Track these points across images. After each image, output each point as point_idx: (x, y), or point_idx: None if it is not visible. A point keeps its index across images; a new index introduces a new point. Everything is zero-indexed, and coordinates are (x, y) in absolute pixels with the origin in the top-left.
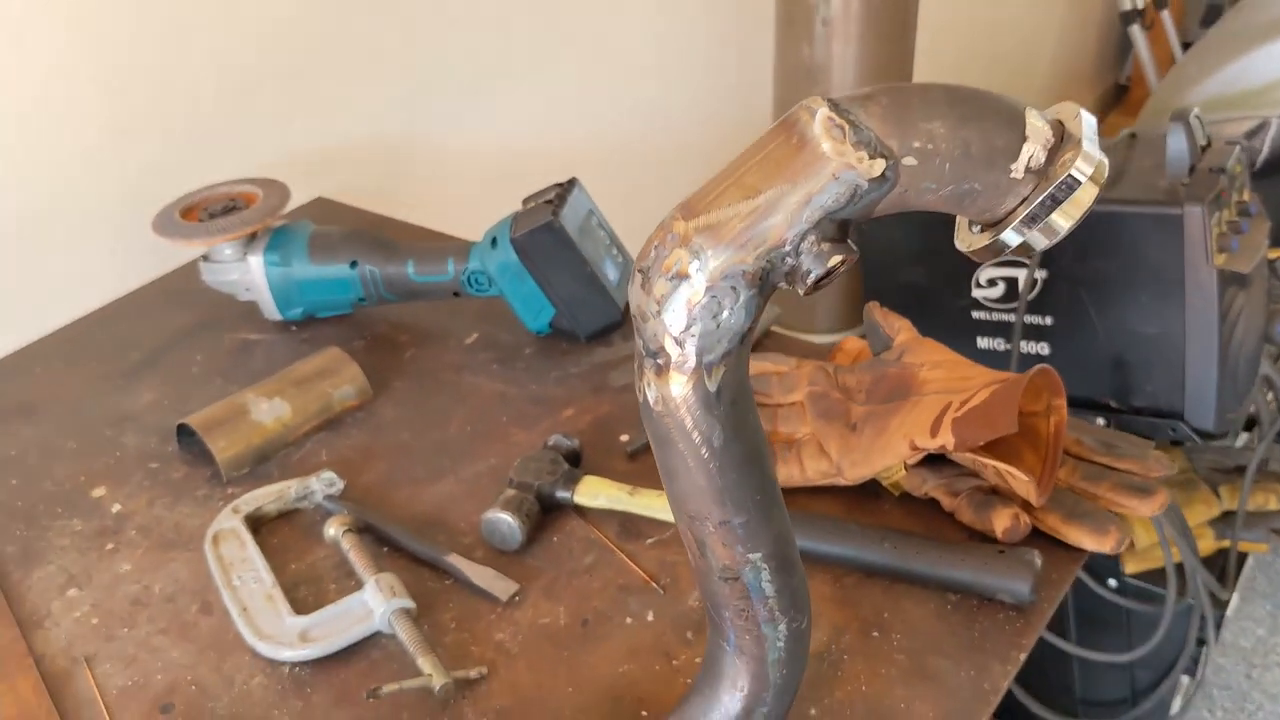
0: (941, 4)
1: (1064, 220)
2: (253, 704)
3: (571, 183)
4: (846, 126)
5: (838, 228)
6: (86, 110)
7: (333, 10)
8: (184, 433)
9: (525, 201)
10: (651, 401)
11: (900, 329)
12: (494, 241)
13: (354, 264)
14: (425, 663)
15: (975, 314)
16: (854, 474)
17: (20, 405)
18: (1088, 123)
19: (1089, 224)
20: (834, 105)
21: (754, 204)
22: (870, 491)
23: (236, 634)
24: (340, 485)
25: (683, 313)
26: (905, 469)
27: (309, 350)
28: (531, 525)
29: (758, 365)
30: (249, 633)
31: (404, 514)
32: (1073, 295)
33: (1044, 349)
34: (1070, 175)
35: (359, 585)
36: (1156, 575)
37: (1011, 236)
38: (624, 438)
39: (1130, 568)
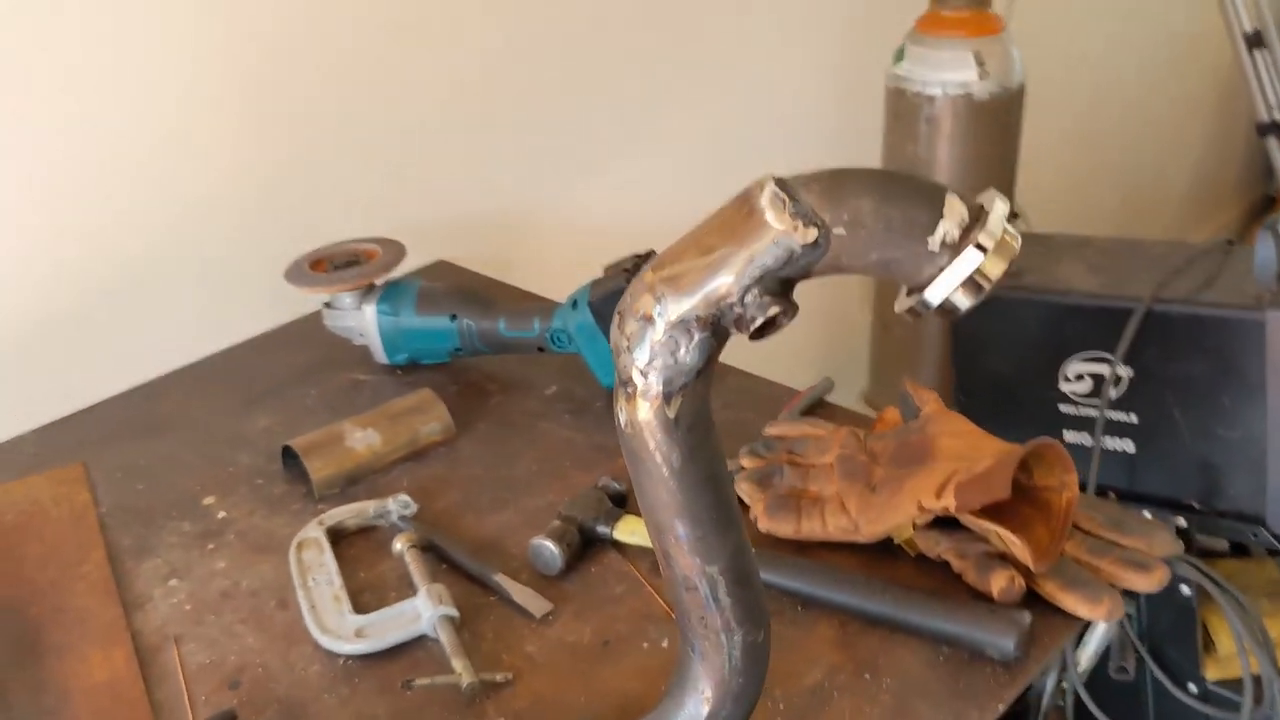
0: (1059, 113)
1: (973, 289)
2: (308, 688)
3: (649, 254)
4: (787, 200)
5: (780, 284)
6: (243, 166)
7: (465, 85)
8: (288, 454)
9: (606, 269)
10: (623, 424)
11: (928, 401)
12: (574, 304)
13: (453, 317)
14: (458, 664)
15: (1062, 407)
16: (869, 530)
17: (156, 423)
18: (999, 207)
19: (1175, 325)
20: (780, 182)
21: (708, 260)
22: (889, 551)
23: (304, 627)
24: (414, 508)
25: (647, 349)
26: (915, 529)
27: (409, 391)
28: (572, 554)
29: (798, 428)
30: (314, 627)
31: (465, 536)
32: (1158, 395)
33: (1129, 446)
34: (972, 248)
35: (416, 593)
36: (1238, 683)
37: (929, 299)
38: None
39: (1211, 674)
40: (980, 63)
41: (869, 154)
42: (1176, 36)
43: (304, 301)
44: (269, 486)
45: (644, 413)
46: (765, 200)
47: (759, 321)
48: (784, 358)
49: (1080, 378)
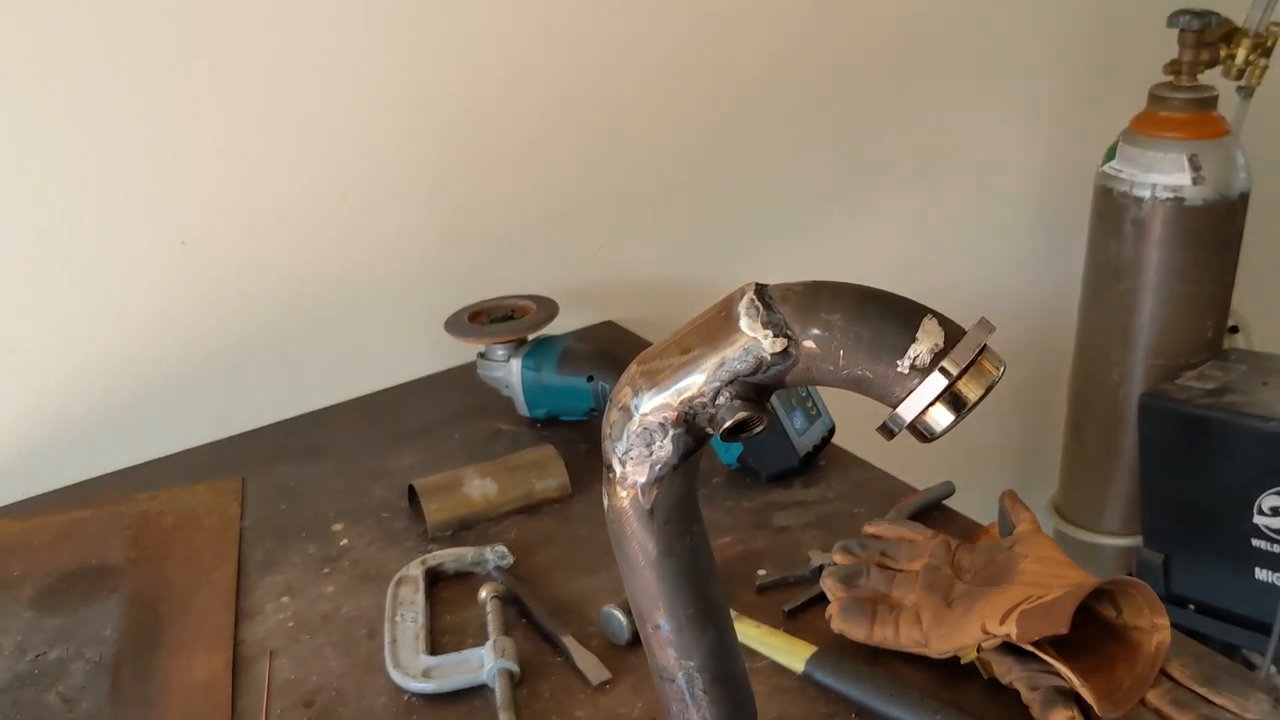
0: None
1: (944, 415)
2: (371, 717)
3: None
4: (762, 308)
5: (753, 389)
6: (425, 219)
7: (651, 154)
8: (413, 493)
9: None
10: (607, 509)
11: (1024, 520)
12: None
13: (590, 379)
14: (505, 717)
15: (1255, 542)
16: (937, 647)
17: (313, 449)
18: (977, 333)
19: None
20: (760, 290)
21: (684, 359)
22: (964, 670)
23: (382, 659)
24: (510, 560)
25: (625, 439)
26: (982, 650)
27: (541, 445)
28: None
29: (896, 530)
30: (390, 660)
31: (550, 594)
32: None
33: None
34: (938, 372)
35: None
36: None
37: (897, 422)
38: (761, 571)
39: None
40: (1195, 167)
41: (1074, 251)
42: None
43: (469, 349)
44: (392, 521)
45: (622, 501)
46: (741, 307)
47: (728, 424)
48: (974, 452)
49: (1277, 512)
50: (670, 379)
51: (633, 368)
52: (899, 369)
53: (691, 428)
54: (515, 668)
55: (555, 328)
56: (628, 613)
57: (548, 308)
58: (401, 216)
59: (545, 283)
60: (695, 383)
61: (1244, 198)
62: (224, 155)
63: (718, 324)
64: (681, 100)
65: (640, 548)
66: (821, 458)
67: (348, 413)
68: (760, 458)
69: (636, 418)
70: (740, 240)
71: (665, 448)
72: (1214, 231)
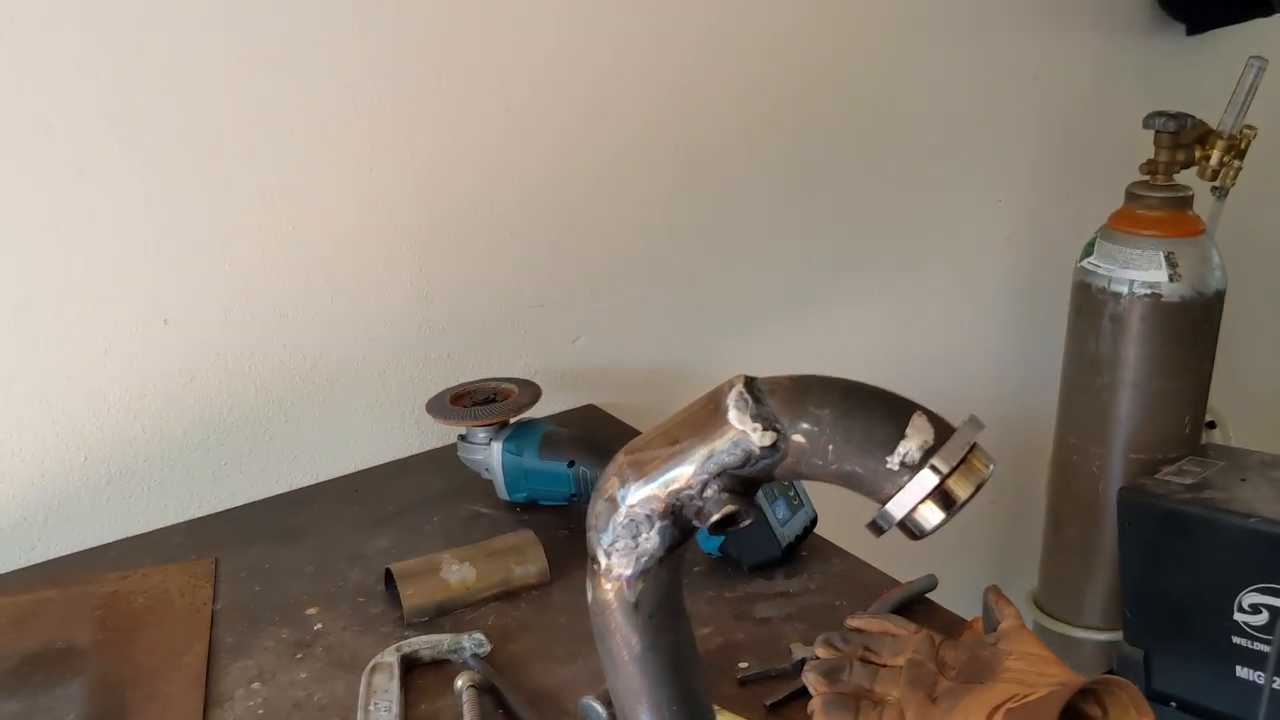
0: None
1: (934, 512)
2: None
3: None
4: (751, 401)
5: (741, 483)
6: (411, 302)
7: (632, 245)
8: (390, 577)
9: None
10: (590, 600)
11: (1008, 615)
12: None
13: (571, 464)
14: None
15: (1236, 639)
16: None
17: (289, 530)
18: (967, 431)
19: None
20: (749, 383)
21: (672, 450)
22: None
23: None
24: (487, 647)
25: (611, 530)
26: None
27: (521, 530)
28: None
29: (880, 624)
30: None
31: (529, 684)
32: None
33: None
34: (928, 470)
35: None
36: None
37: (886, 519)
38: (742, 664)
39: None
40: (1172, 264)
41: (1053, 345)
42: None
43: (449, 431)
44: (368, 605)
45: (606, 593)
46: (731, 399)
47: (715, 517)
48: (953, 544)
49: (1257, 610)
50: (658, 470)
51: (620, 458)
52: (888, 465)
53: (678, 520)
54: None
55: (536, 411)
56: (607, 704)
57: (530, 391)
58: (382, 298)
59: (526, 366)
60: (683, 474)
61: (1220, 295)
62: (207, 234)
63: (706, 416)
64: (658, 190)
65: (624, 642)
66: (803, 548)
67: (324, 494)
68: (742, 547)
69: (623, 509)
70: (719, 327)
71: (651, 540)
72: (1191, 328)
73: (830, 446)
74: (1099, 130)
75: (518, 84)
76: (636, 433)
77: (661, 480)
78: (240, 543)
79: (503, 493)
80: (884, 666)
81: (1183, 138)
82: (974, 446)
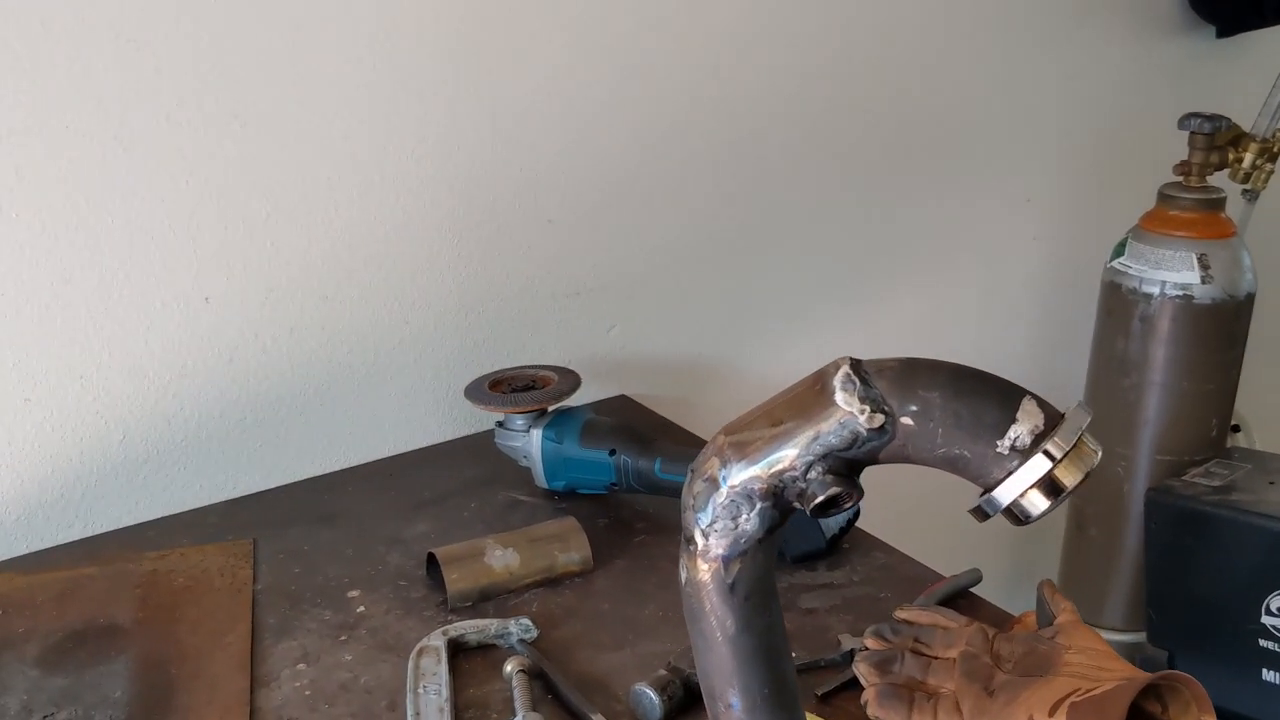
0: None
1: (1041, 499)
2: None
3: None
4: (859, 383)
5: (846, 465)
6: (448, 288)
7: (669, 237)
8: (432, 561)
9: None
10: (684, 582)
11: (1064, 610)
12: None
13: (613, 452)
14: None
15: (1263, 642)
16: None
17: (327, 513)
18: (1078, 417)
19: None
20: (855, 364)
21: (775, 431)
22: None
23: None
24: (534, 633)
25: (710, 511)
26: None
27: (559, 517)
28: (673, 707)
29: (929, 616)
30: None
31: (577, 670)
32: None
33: None
34: (1041, 455)
35: (514, 719)
36: None
37: (995, 502)
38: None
39: None
40: (1204, 266)
41: (1079, 345)
42: None
43: (484, 417)
44: (410, 589)
45: (703, 574)
46: (838, 381)
47: (819, 499)
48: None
49: None
50: (761, 451)
51: (719, 438)
52: (998, 449)
53: (779, 502)
54: None
55: (570, 400)
56: (660, 691)
57: (570, 379)
58: (421, 283)
59: (560, 355)
60: (787, 456)
61: (1250, 298)
62: (250, 214)
63: (811, 397)
64: (694, 183)
65: (719, 623)
66: (845, 540)
67: (359, 477)
68: (786, 539)
69: (724, 489)
70: (752, 321)
71: (751, 521)
72: (1221, 330)
73: (939, 430)
74: (1128, 131)
75: (557, 72)
76: (670, 423)
77: (765, 461)
78: (277, 524)
79: (541, 480)
80: (936, 659)
81: (1217, 139)
82: (1083, 433)
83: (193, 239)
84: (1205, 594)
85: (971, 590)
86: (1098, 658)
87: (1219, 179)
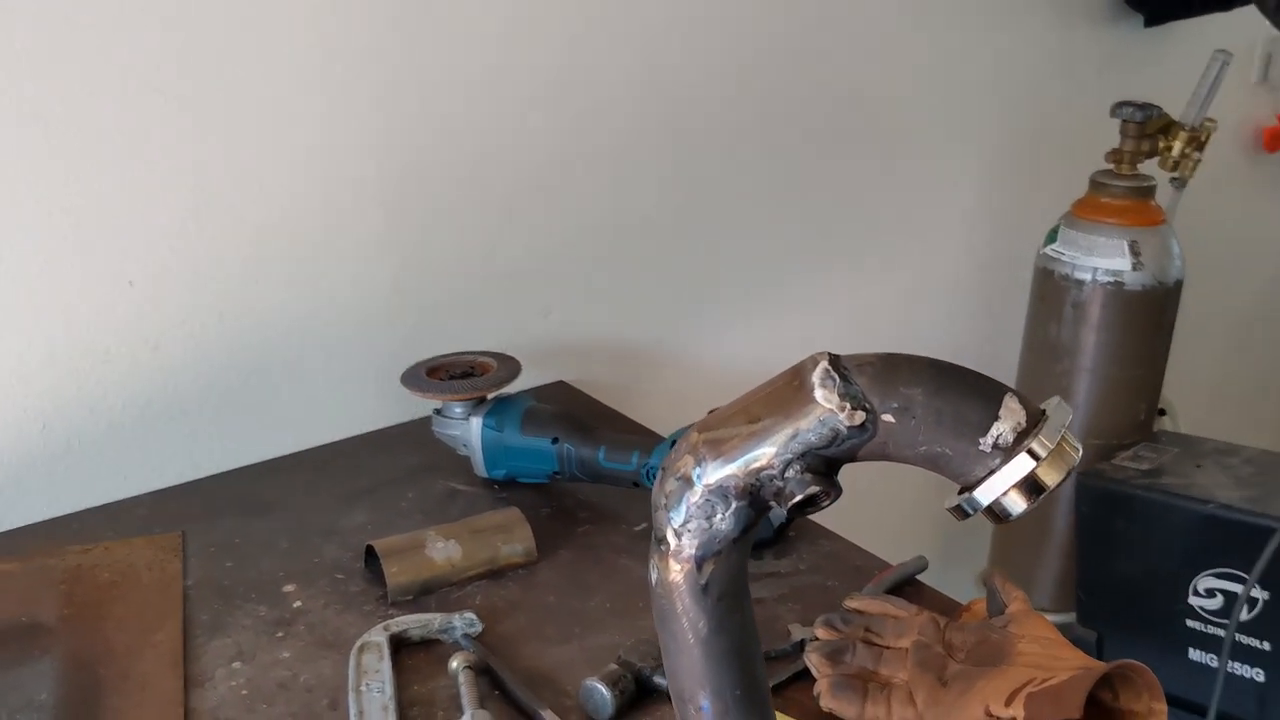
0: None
1: (1028, 495)
2: None
3: None
4: (838, 379)
5: (824, 463)
6: (381, 271)
7: (606, 221)
8: (371, 554)
9: (710, 412)
10: (654, 583)
11: (1016, 599)
12: (673, 443)
13: (555, 440)
14: None
15: (1190, 622)
16: None
17: (259, 504)
18: (1060, 414)
19: None
20: (834, 360)
21: (753, 429)
22: None
23: None
24: (479, 627)
25: (683, 510)
26: None
27: (500, 507)
28: (624, 702)
29: (879, 605)
30: None
31: (524, 665)
32: None
33: (1259, 675)
34: (1025, 454)
35: (461, 716)
36: None
37: (977, 500)
38: None
39: None
40: (1135, 253)
41: (1012, 330)
42: None
43: (420, 405)
44: (348, 583)
45: (675, 574)
46: (816, 377)
47: (797, 498)
48: (901, 526)
49: (1212, 594)
50: (738, 449)
51: (693, 436)
52: (980, 447)
53: (755, 501)
54: None
55: (509, 387)
56: (611, 686)
57: (510, 365)
58: (354, 267)
59: (497, 340)
60: (765, 454)
61: (1178, 285)
62: (175, 196)
63: (789, 394)
64: (631, 167)
65: (690, 624)
66: (792, 529)
67: (293, 467)
68: None
69: (699, 488)
70: (690, 306)
71: (727, 521)
72: (1150, 316)
73: (921, 427)
74: (1060, 119)
75: (490, 50)
76: (609, 410)
77: (742, 460)
78: (208, 516)
79: (481, 469)
80: (887, 649)
81: (1148, 128)
82: (1065, 431)
83: (115, 220)
84: (1134, 575)
85: (918, 578)
86: (1051, 646)
87: (1149, 167)
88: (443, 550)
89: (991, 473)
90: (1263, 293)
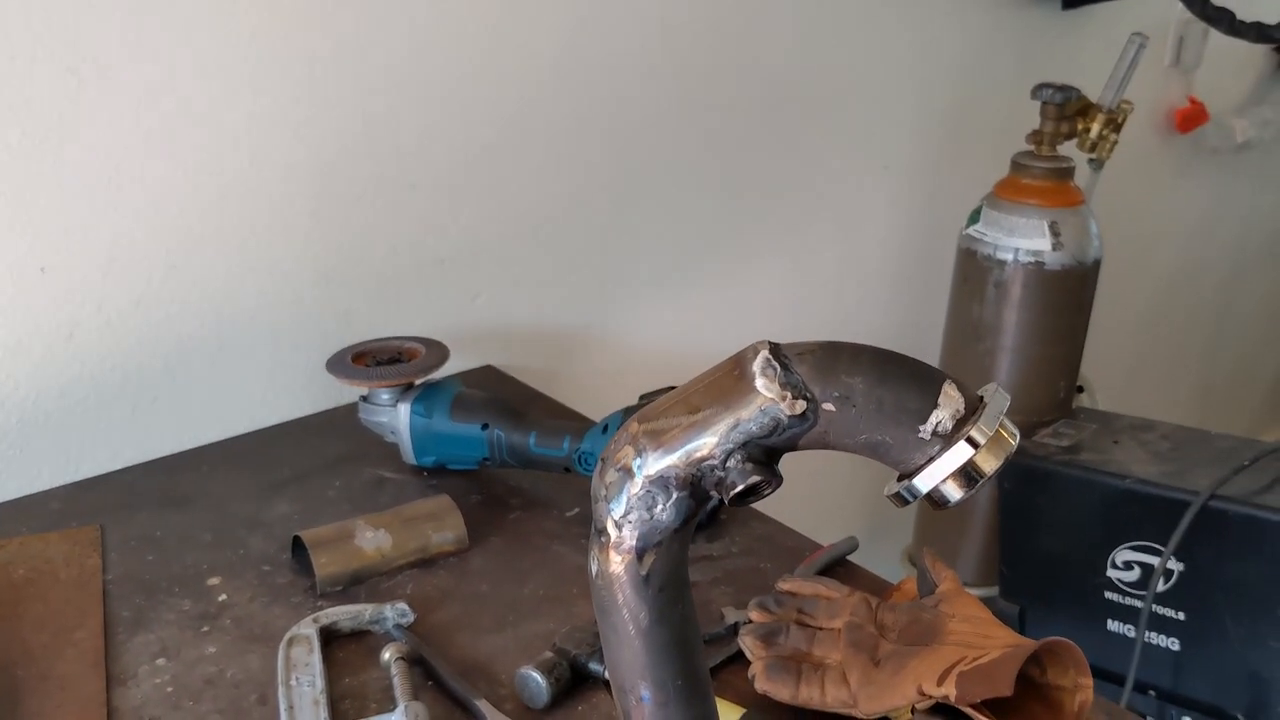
0: (1136, 292)
1: (964, 482)
2: None
3: None
4: (779, 369)
5: (765, 452)
6: (300, 253)
7: (532, 198)
8: (298, 545)
9: (641, 397)
10: (594, 574)
11: (945, 579)
12: (605, 428)
13: (485, 426)
14: None
15: (1108, 594)
16: (866, 708)
17: (179, 495)
18: (998, 401)
19: (1233, 524)
20: (774, 349)
21: (693, 419)
22: None
23: None
24: (411, 617)
25: (624, 501)
26: (914, 713)
27: (430, 495)
28: (560, 689)
29: (811, 587)
30: None
31: (458, 655)
32: (1209, 595)
33: (1174, 644)
34: (964, 441)
35: (395, 708)
36: None
37: (915, 488)
38: None
39: None
40: (1055, 233)
41: (935, 311)
42: (1270, 227)
43: (344, 391)
44: (274, 575)
45: (615, 566)
46: (757, 366)
47: (739, 488)
48: (827, 505)
49: (1129, 566)
50: (678, 440)
51: (633, 426)
52: (920, 435)
53: (696, 491)
54: None
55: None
56: (546, 673)
57: (438, 351)
58: (276, 251)
59: (423, 326)
60: (706, 444)
61: (1097, 264)
62: (88, 178)
63: (730, 383)
64: (557, 150)
65: (631, 616)
66: (723, 512)
67: (214, 457)
68: None
69: (639, 479)
70: (616, 290)
71: (667, 512)
72: (1070, 296)
73: (861, 416)
74: (980, 101)
75: (417, 36)
76: (537, 394)
77: (683, 450)
78: (125, 509)
79: (409, 456)
80: (820, 630)
81: (1066, 110)
82: (1003, 418)
83: (26, 203)
84: (1055, 550)
85: (849, 559)
86: (981, 625)
87: (1067, 149)
88: (372, 540)
89: (931, 460)
90: (1174, 270)
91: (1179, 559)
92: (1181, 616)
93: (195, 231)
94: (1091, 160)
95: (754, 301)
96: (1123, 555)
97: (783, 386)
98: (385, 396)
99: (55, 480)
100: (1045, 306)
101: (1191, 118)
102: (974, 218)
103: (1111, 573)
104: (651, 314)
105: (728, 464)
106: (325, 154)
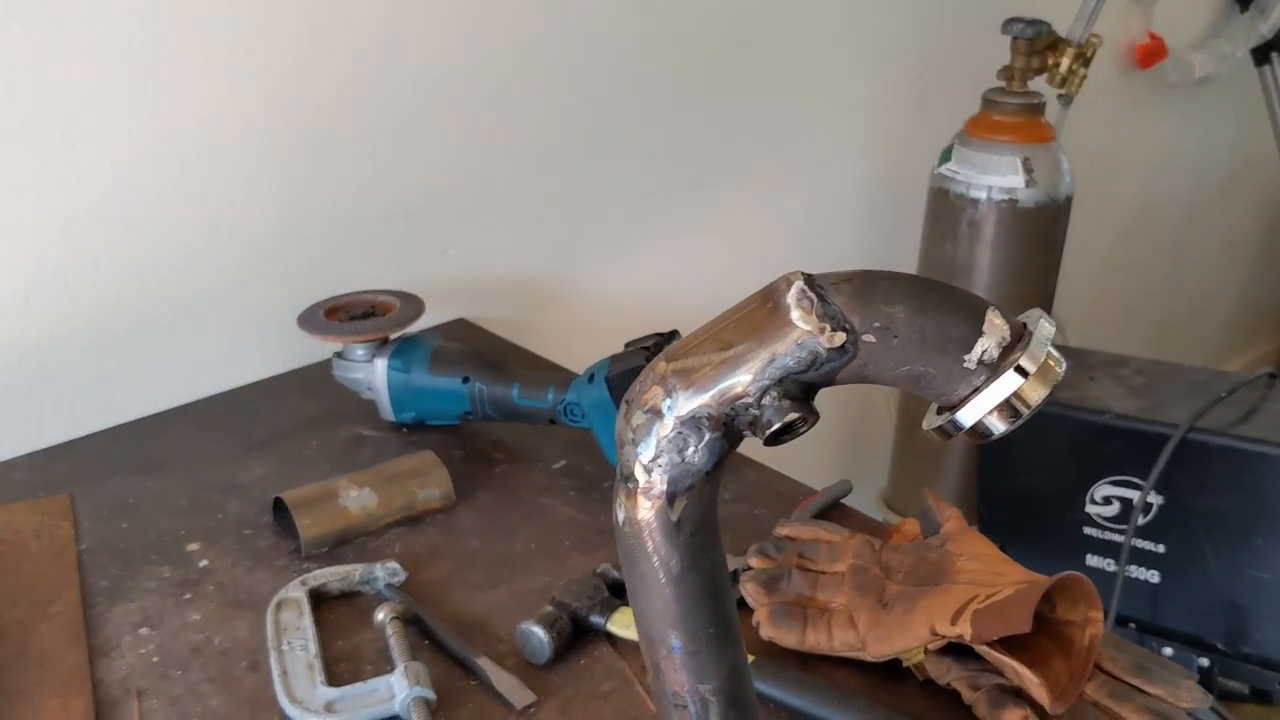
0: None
1: (1009, 414)
2: None
3: (673, 333)
4: (816, 300)
5: (801, 388)
6: (266, 206)
7: (504, 146)
8: (279, 507)
9: (627, 345)
10: (621, 522)
11: (950, 517)
12: (591, 378)
13: (466, 380)
14: None
15: (1087, 530)
16: (876, 650)
17: (151, 460)
18: (1044, 329)
19: (1211, 456)
20: (809, 280)
21: (725, 356)
22: (897, 673)
23: (273, 694)
24: (402, 576)
25: (653, 444)
26: (925, 653)
27: (412, 452)
28: (562, 643)
29: (811, 531)
30: (283, 695)
31: (453, 613)
32: (1188, 526)
33: (1154, 577)
34: (1014, 370)
35: (393, 670)
36: None
37: (960, 421)
38: None
39: None
40: (1028, 170)
41: (906, 251)
42: (1227, 162)
43: (316, 348)
44: (256, 538)
45: (644, 512)
46: (792, 298)
47: (775, 426)
48: (803, 451)
49: (1108, 501)
50: (710, 378)
51: (661, 365)
52: (965, 364)
53: (729, 431)
54: (432, 695)
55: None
56: (548, 628)
57: (413, 304)
58: (238, 207)
59: (394, 280)
60: (740, 382)
61: (1069, 201)
62: (41, 134)
63: (763, 317)
64: (526, 99)
65: (662, 563)
66: None
67: (185, 419)
68: None
69: (669, 420)
70: (586, 239)
71: (700, 454)
72: (1043, 233)
73: (903, 347)
74: (949, 37)
75: None
76: (511, 345)
77: (716, 389)
78: (96, 476)
79: (388, 413)
80: (823, 574)
81: (1037, 44)
82: (1050, 345)
83: None
84: (1032, 487)
85: (843, 501)
86: (991, 563)
87: (1037, 84)
88: (357, 499)
89: (977, 390)
90: (1137, 206)
91: (1159, 492)
92: (1161, 549)
93: (153, 189)
94: (1061, 95)
95: (725, 245)
96: (1102, 490)
97: (820, 318)
98: (360, 352)
99: (19, 449)
100: (1019, 244)
101: (1152, 53)
102: (945, 156)
103: (1090, 508)
104: (623, 261)
105: (763, 401)
106: (287, 110)
